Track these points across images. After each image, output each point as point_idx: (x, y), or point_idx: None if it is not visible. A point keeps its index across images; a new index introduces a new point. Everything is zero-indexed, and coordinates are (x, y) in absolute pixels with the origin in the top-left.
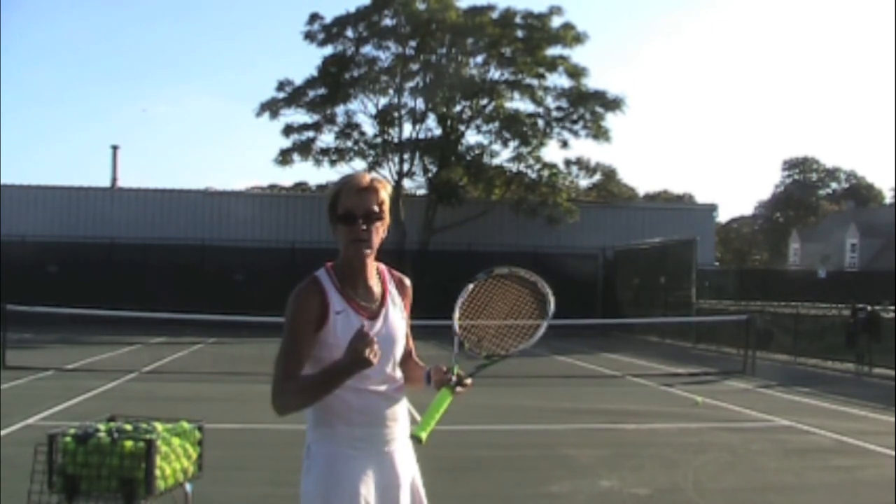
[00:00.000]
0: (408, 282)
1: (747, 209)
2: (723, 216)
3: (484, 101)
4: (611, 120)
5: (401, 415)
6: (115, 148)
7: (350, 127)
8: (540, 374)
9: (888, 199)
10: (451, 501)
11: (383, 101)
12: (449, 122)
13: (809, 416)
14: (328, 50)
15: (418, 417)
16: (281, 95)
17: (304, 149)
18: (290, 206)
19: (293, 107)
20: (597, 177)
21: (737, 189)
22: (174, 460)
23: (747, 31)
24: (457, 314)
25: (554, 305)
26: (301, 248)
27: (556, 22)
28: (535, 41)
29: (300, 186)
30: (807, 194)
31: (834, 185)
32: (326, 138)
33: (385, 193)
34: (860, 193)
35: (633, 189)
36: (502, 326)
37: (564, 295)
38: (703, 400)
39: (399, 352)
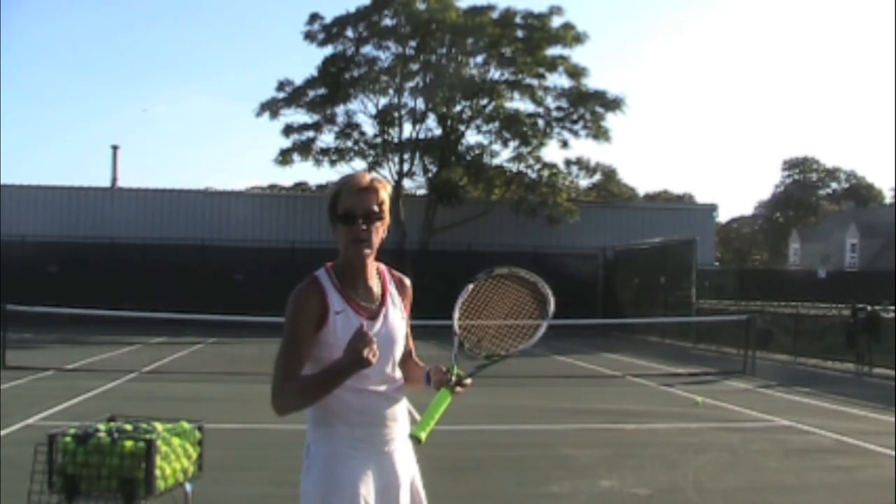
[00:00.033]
0: (408, 282)
1: (747, 209)
2: (723, 216)
3: (484, 101)
4: (611, 120)
5: (400, 415)
6: (115, 148)
7: (350, 127)
8: (540, 374)
9: (888, 199)
10: (451, 501)
11: (383, 101)
12: (449, 122)
13: (809, 416)
14: (328, 50)
15: (418, 417)
16: (281, 95)
17: (304, 149)
18: (290, 206)
19: (293, 107)
20: (597, 177)
21: (737, 189)
22: (174, 460)
23: (747, 31)
24: (457, 314)
25: (554, 306)
26: (301, 248)
27: (556, 22)
28: (535, 41)
29: (300, 186)
30: (807, 194)
31: (834, 185)
32: (326, 138)
33: (385, 193)
34: (860, 193)
35: (633, 189)
36: (502, 326)
37: (564, 295)
38: (703, 400)
39: (399, 352)
